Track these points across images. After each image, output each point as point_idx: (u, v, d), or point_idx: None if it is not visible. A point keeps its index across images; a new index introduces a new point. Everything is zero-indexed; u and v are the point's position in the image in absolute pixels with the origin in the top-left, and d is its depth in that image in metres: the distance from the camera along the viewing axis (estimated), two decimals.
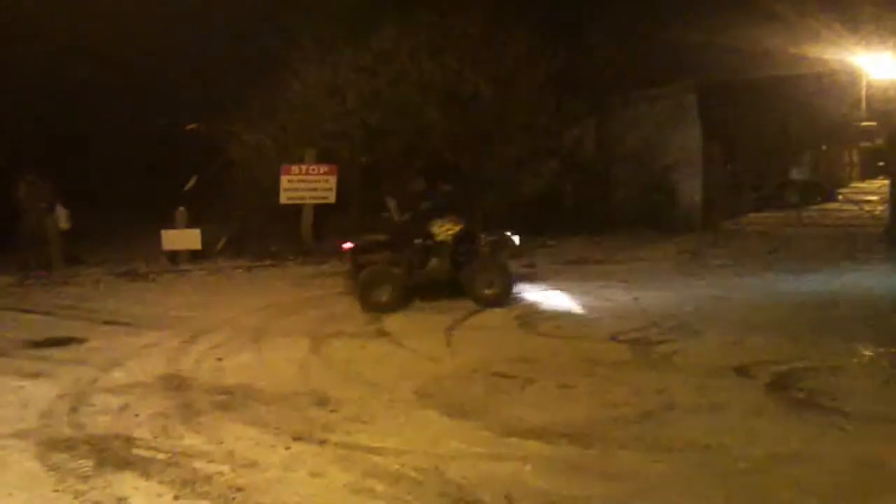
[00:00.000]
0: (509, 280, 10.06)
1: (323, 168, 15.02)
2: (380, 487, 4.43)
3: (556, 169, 17.64)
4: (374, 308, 9.56)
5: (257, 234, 15.17)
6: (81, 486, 4.52)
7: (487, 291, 9.83)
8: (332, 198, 15.15)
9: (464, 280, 9.93)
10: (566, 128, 17.61)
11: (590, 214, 17.27)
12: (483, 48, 16.01)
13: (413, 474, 4.57)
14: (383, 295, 9.67)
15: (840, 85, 21.10)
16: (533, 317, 9.16)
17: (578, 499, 4.25)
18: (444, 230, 9.98)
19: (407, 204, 10.56)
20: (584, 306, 9.74)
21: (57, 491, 4.48)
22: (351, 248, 10.03)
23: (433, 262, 10.01)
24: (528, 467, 4.64)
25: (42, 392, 6.41)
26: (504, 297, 9.88)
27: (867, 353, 7.07)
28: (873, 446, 4.83)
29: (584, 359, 7.14)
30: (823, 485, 4.33)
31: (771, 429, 5.21)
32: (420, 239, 10.02)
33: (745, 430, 5.20)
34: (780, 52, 16.76)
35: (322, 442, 5.14)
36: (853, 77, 20.80)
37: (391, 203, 10.71)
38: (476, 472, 4.59)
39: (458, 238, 9.99)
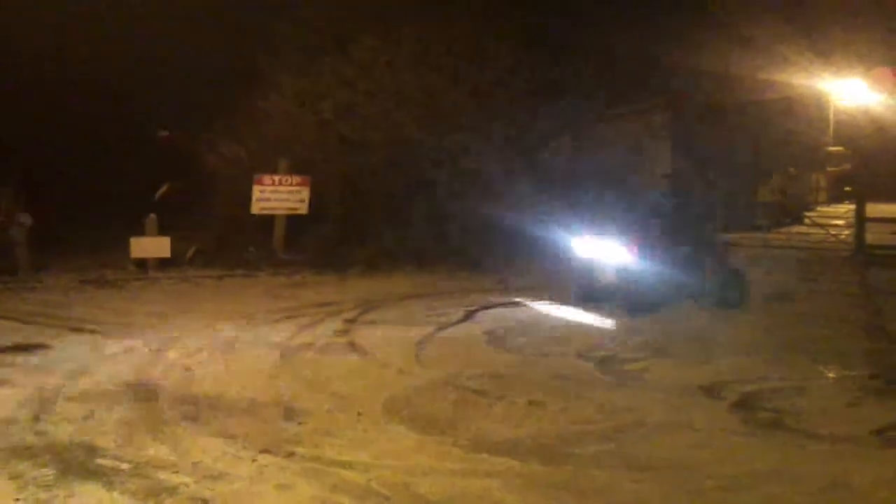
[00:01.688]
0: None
1: (296, 179, 14.97)
2: (347, 502, 4.40)
3: (532, 183, 17.70)
4: None
5: (229, 243, 15.04)
6: (43, 495, 4.44)
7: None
8: (304, 209, 15.10)
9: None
10: (541, 143, 17.71)
11: (564, 229, 17.31)
12: (463, 63, 16.07)
13: (381, 489, 4.55)
14: None
15: (809, 110, 21.45)
16: (502, 333, 9.16)
17: None
18: None
19: None
20: (554, 323, 9.78)
21: (18, 500, 4.41)
22: None
23: None
24: (497, 484, 4.63)
25: (5, 399, 6.30)
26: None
27: (833, 374, 7.16)
28: (839, 466, 4.88)
29: (554, 375, 7.16)
30: None
31: (739, 448, 5.26)
32: None
33: (714, 448, 5.23)
34: (752, 76, 17.03)
35: (289, 455, 5.09)
36: (822, 102, 21.17)
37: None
38: (445, 487, 4.58)
39: None
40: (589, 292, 10.76)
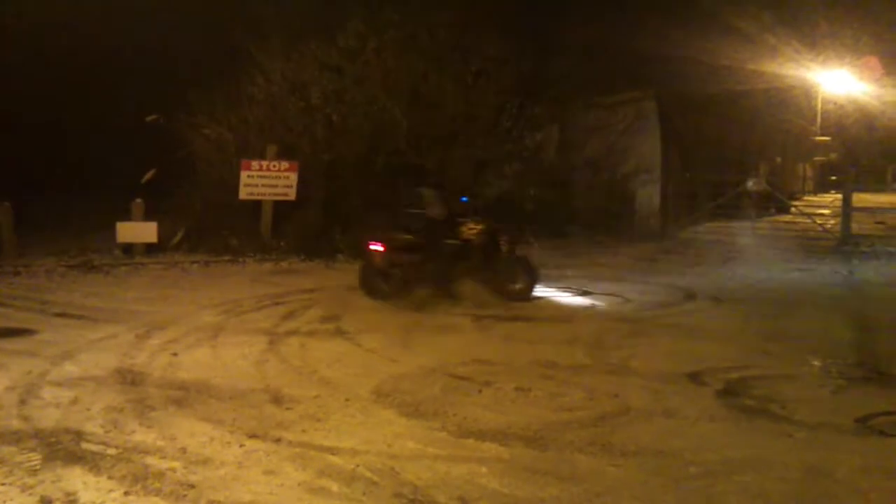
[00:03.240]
0: (534, 274, 10.35)
1: (284, 165, 14.90)
2: (334, 487, 4.41)
3: (519, 173, 17.74)
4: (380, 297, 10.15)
5: (216, 229, 14.98)
6: (30, 480, 4.43)
7: (514, 286, 10.19)
8: (292, 195, 15.05)
9: (491, 277, 10.18)
10: (528, 132, 17.72)
11: (550, 219, 17.39)
12: (449, 50, 16.05)
13: (368, 474, 4.56)
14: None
15: (797, 100, 21.54)
16: (490, 319, 9.19)
17: (533, 501, 4.28)
18: (471, 230, 10.25)
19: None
20: (541, 310, 9.81)
21: (4, 484, 4.39)
22: (383, 249, 10.20)
23: (464, 261, 10.21)
24: (483, 469, 4.66)
25: None
26: (529, 291, 10.21)
27: (817, 362, 7.22)
28: (822, 454, 4.93)
29: (541, 362, 7.19)
30: (773, 491, 4.42)
31: (722, 435, 5.30)
32: (450, 239, 10.24)
33: (698, 435, 5.28)
34: (739, 67, 17.08)
35: (277, 440, 5.10)
36: (809, 92, 21.26)
37: (427, 193, 10.73)
38: (432, 473, 4.60)
39: (483, 236, 10.25)
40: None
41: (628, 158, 18.63)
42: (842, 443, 5.18)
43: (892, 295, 11.70)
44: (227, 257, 13.98)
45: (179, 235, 14.71)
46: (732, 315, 9.59)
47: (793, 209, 21.93)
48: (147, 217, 13.88)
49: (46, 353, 7.31)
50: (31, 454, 4.80)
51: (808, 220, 19.12)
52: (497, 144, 16.72)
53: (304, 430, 5.29)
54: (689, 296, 10.81)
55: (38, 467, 4.61)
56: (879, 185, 35.62)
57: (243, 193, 14.72)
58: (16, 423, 5.36)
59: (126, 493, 4.29)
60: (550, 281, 11.30)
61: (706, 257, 14.98)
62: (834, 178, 34.23)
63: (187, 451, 4.88)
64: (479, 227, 10.27)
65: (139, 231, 13.79)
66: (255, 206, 15.08)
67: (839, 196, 18.75)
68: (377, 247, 10.21)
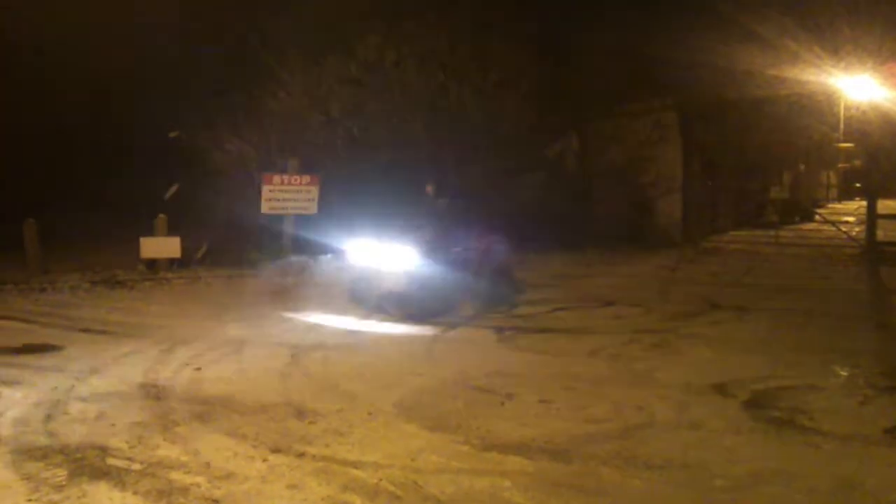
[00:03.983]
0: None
1: (305, 178, 14.94)
2: (358, 501, 4.40)
3: (539, 183, 17.71)
4: None
5: (238, 243, 15.07)
6: (55, 496, 4.46)
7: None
8: (314, 209, 15.09)
9: None
10: (549, 142, 17.70)
11: (571, 229, 17.35)
12: (468, 60, 16.08)
13: (391, 488, 4.55)
14: None
15: (819, 106, 21.37)
16: (513, 331, 9.16)
17: None
18: None
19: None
20: (563, 322, 9.77)
21: (30, 500, 4.42)
22: None
23: None
24: (507, 482, 4.63)
25: (17, 399, 6.32)
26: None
27: (844, 372, 7.13)
28: (850, 465, 4.86)
29: (565, 374, 7.15)
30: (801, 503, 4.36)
31: (749, 447, 5.24)
32: None
33: (724, 447, 5.22)
34: (760, 73, 16.98)
35: (300, 454, 5.10)
36: (832, 98, 21.08)
37: None
38: (455, 486, 4.58)
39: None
40: (369, 300, 10.22)
41: (649, 167, 18.56)
42: (870, 454, 5.11)
43: None
44: (249, 271, 14.04)
45: (203, 250, 14.80)
46: (757, 324, 9.50)
47: (817, 217, 21.74)
48: (170, 232, 13.98)
49: (72, 368, 7.37)
50: (57, 470, 4.83)
51: (833, 228, 18.94)
52: (516, 154, 16.70)
53: (327, 445, 5.28)
54: (713, 305, 10.72)
55: (63, 483, 4.64)
56: None
57: (265, 207, 14.78)
58: (42, 439, 5.40)
59: None
60: (571, 291, 11.26)
61: (729, 266, 14.86)
62: (858, 185, 33.89)
63: (211, 466, 4.89)
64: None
65: (162, 246, 13.88)
66: (277, 218, 15.15)
67: (864, 203, 18.56)
68: None
